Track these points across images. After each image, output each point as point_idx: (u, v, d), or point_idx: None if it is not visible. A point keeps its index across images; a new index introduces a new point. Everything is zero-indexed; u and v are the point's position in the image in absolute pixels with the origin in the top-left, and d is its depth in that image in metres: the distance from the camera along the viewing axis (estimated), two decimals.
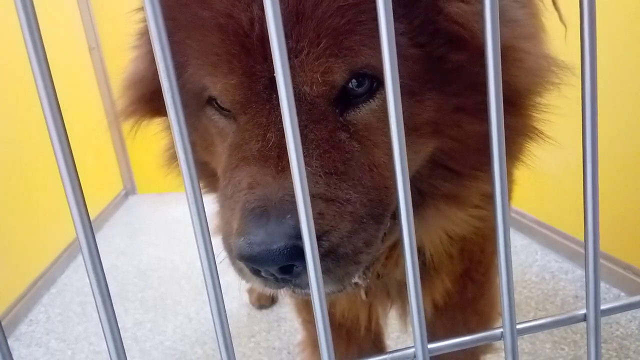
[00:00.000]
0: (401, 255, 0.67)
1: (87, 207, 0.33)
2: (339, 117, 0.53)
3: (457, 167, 0.60)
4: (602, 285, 1.63)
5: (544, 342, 1.46)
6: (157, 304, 1.96)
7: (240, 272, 0.54)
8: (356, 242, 0.51)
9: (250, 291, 1.86)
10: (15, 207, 2.05)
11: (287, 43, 0.49)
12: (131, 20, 0.67)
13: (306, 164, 0.50)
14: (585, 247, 0.41)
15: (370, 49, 0.49)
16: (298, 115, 0.50)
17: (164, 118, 0.70)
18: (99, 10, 2.85)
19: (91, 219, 0.33)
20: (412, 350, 0.40)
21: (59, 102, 0.31)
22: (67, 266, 2.32)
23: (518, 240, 2.06)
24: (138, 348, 1.70)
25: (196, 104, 0.60)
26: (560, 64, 0.59)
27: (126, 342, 1.75)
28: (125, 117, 0.69)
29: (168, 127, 0.69)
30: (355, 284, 0.62)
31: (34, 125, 2.02)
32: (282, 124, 0.51)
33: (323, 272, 0.46)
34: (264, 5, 0.30)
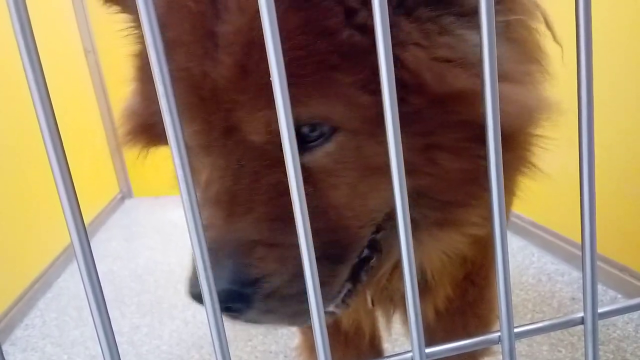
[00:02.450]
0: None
1: (83, 210, 0.33)
2: None
3: (443, 199, 0.60)
4: (599, 287, 1.63)
5: (541, 345, 1.46)
6: (153, 307, 1.95)
7: None
8: (297, 285, 0.52)
9: None
10: (11, 211, 2.04)
11: (234, 95, 0.51)
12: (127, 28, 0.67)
13: (252, 210, 0.52)
14: (582, 250, 0.41)
15: (317, 99, 0.50)
16: (248, 163, 0.53)
17: (165, 147, 0.71)
18: (94, 14, 2.84)
19: (87, 222, 0.33)
20: (410, 354, 0.40)
21: (53, 106, 0.31)
22: (63, 270, 2.31)
23: (515, 243, 2.06)
24: (134, 352, 1.69)
25: None
26: (550, 106, 0.58)
27: (123, 347, 1.74)
28: (125, 145, 0.70)
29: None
30: (332, 312, 0.62)
31: (29, 128, 2.01)
32: (237, 170, 0.53)
33: (266, 312, 0.47)
34: (266, 45, 0.30)
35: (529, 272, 1.87)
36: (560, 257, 1.91)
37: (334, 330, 0.97)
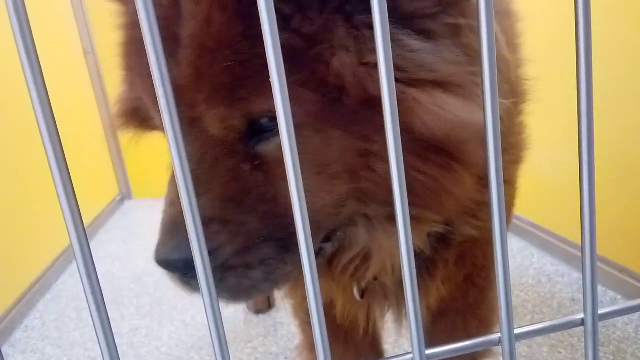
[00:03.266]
0: (377, 262, 0.69)
1: (83, 212, 0.33)
2: (250, 150, 0.58)
3: (387, 200, 0.60)
4: (599, 288, 1.63)
5: (541, 346, 1.46)
6: (153, 309, 1.95)
7: None
8: (249, 258, 0.58)
9: None
10: (10, 212, 2.04)
11: (192, 94, 0.55)
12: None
13: (209, 190, 0.57)
14: (583, 251, 0.41)
15: (263, 96, 0.54)
16: (208, 151, 0.57)
17: (154, 133, 0.72)
18: (94, 15, 2.84)
19: (87, 224, 0.33)
20: (410, 356, 0.40)
21: (53, 107, 0.31)
22: (62, 271, 2.31)
23: (514, 244, 2.06)
24: (134, 354, 1.69)
25: None
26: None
27: (122, 349, 1.74)
28: (118, 129, 0.74)
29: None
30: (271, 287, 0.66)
31: (29, 129, 2.01)
32: (199, 158, 0.56)
33: (216, 282, 0.51)
34: (266, 45, 0.31)
35: (529, 273, 1.87)
36: (560, 258, 1.91)
37: (333, 327, 0.97)
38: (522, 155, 0.81)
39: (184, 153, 0.32)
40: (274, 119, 0.56)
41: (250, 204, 0.58)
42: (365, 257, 0.70)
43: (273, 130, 0.57)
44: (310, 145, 0.56)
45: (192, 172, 0.55)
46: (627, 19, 1.46)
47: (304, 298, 0.92)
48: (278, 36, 0.31)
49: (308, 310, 1.04)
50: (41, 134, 0.31)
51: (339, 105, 0.55)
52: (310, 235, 0.35)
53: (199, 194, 0.55)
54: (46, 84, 0.31)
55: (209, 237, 0.54)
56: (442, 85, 0.54)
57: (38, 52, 0.30)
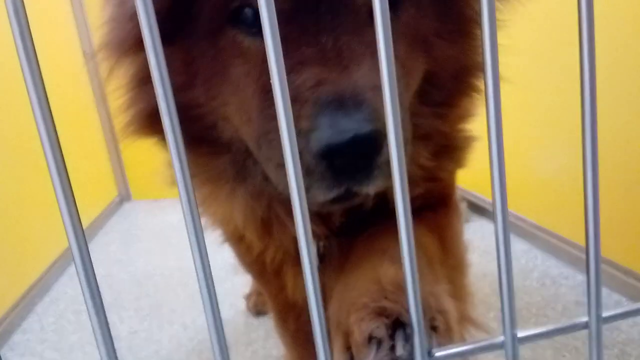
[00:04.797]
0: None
1: (81, 213, 0.32)
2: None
3: (435, 97, 0.66)
4: (603, 291, 1.62)
5: (545, 349, 1.46)
6: (152, 312, 1.94)
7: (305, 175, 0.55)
8: (406, 131, 0.54)
9: (248, 298, 1.85)
10: (9, 214, 2.03)
11: None
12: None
13: (363, 62, 0.52)
14: (587, 253, 0.41)
15: None
16: (347, 23, 0.53)
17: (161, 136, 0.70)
18: (94, 17, 2.84)
19: (85, 225, 0.33)
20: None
21: (52, 109, 0.31)
22: (61, 274, 2.30)
23: (518, 246, 2.05)
24: (133, 357, 1.68)
25: (212, 28, 0.58)
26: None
27: (121, 352, 1.72)
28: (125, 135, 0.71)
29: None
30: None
31: (28, 131, 2.01)
32: (335, 30, 0.53)
33: (385, 164, 0.47)
34: (266, 45, 0.30)
35: (532, 275, 1.86)
36: (564, 260, 1.91)
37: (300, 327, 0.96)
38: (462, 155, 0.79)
39: (184, 153, 0.32)
40: None
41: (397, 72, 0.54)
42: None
43: None
44: (412, 22, 0.60)
45: (333, 46, 0.53)
46: (629, 20, 1.46)
47: (278, 289, 0.90)
48: (278, 34, 0.31)
49: (283, 301, 1.03)
50: (40, 135, 0.30)
51: None
52: (311, 236, 0.35)
53: (353, 67, 0.52)
54: (45, 85, 0.30)
55: (380, 104, 0.48)
56: (436, 35, 0.64)
57: (37, 54, 0.30)
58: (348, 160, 0.49)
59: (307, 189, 0.52)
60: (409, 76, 0.60)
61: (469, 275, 0.83)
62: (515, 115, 1.88)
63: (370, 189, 0.53)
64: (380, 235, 0.68)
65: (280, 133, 0.33)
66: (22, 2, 0.29)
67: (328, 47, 0.53)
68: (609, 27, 1.48)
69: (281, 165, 0.53)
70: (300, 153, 0.50)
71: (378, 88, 0.50)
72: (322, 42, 0.53)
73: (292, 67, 0.52)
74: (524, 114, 1.89)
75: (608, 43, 1.49)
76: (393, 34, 0.33)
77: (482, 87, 0.60)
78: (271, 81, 0.32)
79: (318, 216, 0.71)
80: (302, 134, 0.49)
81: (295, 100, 0.51)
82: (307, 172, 0.50)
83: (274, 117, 0.55)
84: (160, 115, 0.31)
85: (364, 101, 0.50)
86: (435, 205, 0.78)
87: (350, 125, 0.47)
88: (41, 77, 0.30)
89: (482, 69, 0.36)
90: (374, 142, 0.48)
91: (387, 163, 0.50)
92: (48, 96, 0.31)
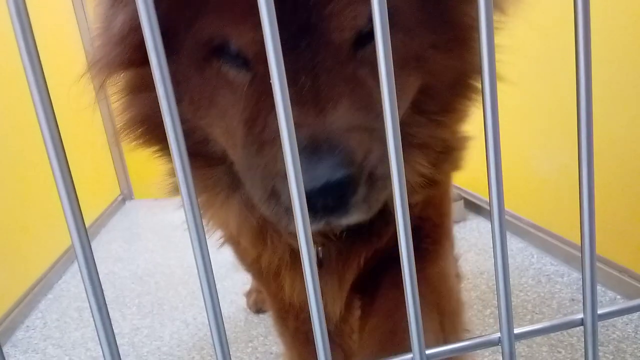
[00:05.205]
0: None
1: (84, 212, 0.33)
2: (358, 57, 0.55)
3: (432, 107, 0.65)
4: (598, 288, 1.63)
5: (541, 346, 1.46)
6: (154, 309, 1.95)
7: (281, 214, 0.55)
8: (386, 167, 0.54)
9: (248, 295, 1.86)
10: (12, 213, 2.04)
11: None
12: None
13: (340, 102, 0.52)
14: (582, 251, 0.41)
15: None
16: (326, 60, 0.53)
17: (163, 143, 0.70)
18: (95, 15, 2.85)
19: (88, 224, 0.33)
20: (410, 355, 0.40)
21: (54, 108, 0.31)
22: (64, 272, 2.31)
23: (514, 244, 2.06)
24: (135, 354, 1.69)
25: (197, 58, 0.58)
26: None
27: (123, 348, 1.74)
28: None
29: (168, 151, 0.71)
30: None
31: (30, 130, 2.02)
32: (313, 69, 0.52)
33: (361, 201, 0.49)
34: (266, 44, 0.30)
35: (528, 273, 1.87)
36: (559, 258, 1.91)
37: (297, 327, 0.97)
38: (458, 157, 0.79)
39: (185, 153, 0.33)
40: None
41: (375, 110, 0.53)
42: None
43: (371, 33, 0.57)
44: (400, 43, 0.56)
45: (310, 87, 0.52)
46: (626, 19, 1.46)
47: (277, 288, 0.90)
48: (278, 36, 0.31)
49: (282, 300, 1.02)
50: (43, 135, 0.31)
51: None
52: (311, 235, 0.35)
53: (329, 109, 0.52)
54: (48, 85, 0.31)
55: (355, 146, 0.51)
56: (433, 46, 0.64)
57: (39, 53, 0.30)
58: (323, 202, 0.50)
59: (289, 222, 0.55)
60: (398, 99, 0.60)
61: (465, 314, 0.86)
62: (511, 114, 1.88)
63: (350, 222, 0.55)
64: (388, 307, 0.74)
65: (280, 133, 0.33)
66: (24, 2, 0.29)
67: (306, 88, 0.52)
68: (605, 25, 1.48)
69: (264, 201, 0.56)
70: (281, 191, 0.52)
71: (355, 128, 0.52)
72: (301, 82, 0.52)
73: (269, 108, 0.53)
74: (521, 113, 1.90)
75: (604, 40, 1.49)
76: None
77: (480, 87, 0.60)
78: (272, 83, 0.33)
79: None
80: (281, 175, 0.51)
81: (274, 143, 0.53)
82: (287, 210, 0.53)
83: (256, 154, 0.56)
84: (162, 114, 0.32)
85: (337, 145, 0.50)
86: (430, 233, 0.81)
87: (323, 172, 0.49)
88: (44, 76, 0.30)
89: (480, 69, 0.36)
90: (347, 186, 0.50)
91: (364, 200, 0.53)
92: (50, 96, 0.31)
